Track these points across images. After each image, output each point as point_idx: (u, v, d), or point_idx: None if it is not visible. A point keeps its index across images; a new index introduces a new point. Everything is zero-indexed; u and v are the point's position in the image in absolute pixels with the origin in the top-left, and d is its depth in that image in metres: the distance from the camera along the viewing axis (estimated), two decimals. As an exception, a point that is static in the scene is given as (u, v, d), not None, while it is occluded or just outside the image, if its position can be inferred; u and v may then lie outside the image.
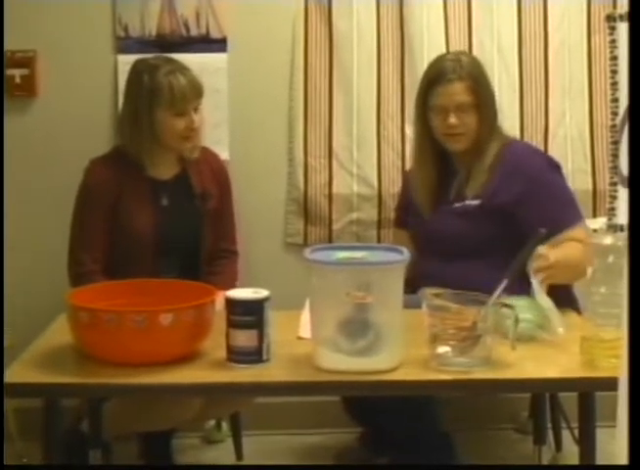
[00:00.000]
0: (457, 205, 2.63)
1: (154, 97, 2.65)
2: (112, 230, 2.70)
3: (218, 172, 2.87)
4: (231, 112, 3.12)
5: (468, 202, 2.62)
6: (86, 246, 2.68)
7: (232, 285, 2.71)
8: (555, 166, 2.67)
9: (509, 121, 2.99)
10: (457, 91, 2.60)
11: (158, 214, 2.72)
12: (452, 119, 2.60)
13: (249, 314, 1.98)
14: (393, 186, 3.10)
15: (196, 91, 2.70)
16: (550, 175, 2.63)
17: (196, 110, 2.71)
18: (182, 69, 2.70)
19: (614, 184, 1.48)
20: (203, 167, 2.83)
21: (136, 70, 2.72)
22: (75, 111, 3.06)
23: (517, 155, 2.65)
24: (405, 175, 2.98)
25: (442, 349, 1.98)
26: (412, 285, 2.49)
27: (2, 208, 2.92)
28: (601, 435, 2.03)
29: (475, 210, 2.59)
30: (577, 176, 3.08)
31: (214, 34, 3.09)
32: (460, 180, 2.67)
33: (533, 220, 2.47)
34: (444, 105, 2.62)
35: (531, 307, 2.18)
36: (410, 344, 2.01)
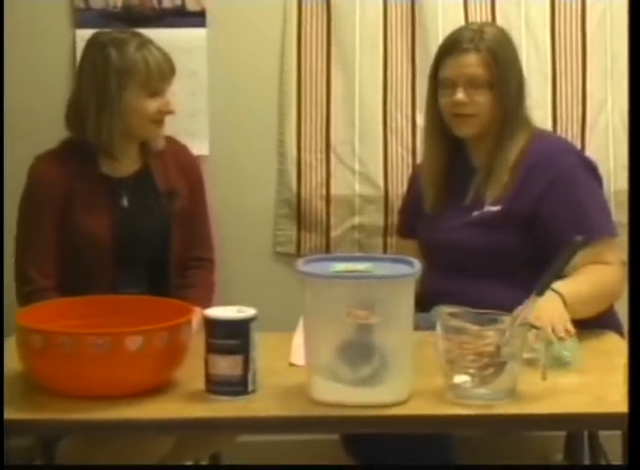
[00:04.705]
0: (476, 212, 2.62)
1: (125, 75, 2.66)
2: (63, 239, 2.70)
3: (187, 166, 2.88)
4: (211, 98, 3.13)
5: (487, 208, 2.61)
6: (35, 259, 2.69)
7: (208, 299, 2.73)
8: (590, 167, 2.66)
9: (539, 110, 3.00)
10: (469, 63, 2.59)
11: (117, 217, 2.73)
12: (460, 95, 2.59)
13: (231, 337, 1.98)
14: (402, 186, 3.11)
15: (171, 67, 2.73)
16: (581, 175, 2.61)
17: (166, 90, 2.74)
18: (151, 42, 2.72)
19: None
20: (168, 161, 2.83)
21: (99, 45, 2.72)
22: (27, 95, 3.07)
23: (544, 149, 2.63)
24: (413, 172, 2.98)
25: (460, 378, 1.98)
26: (423, 303, 2.51)
27: (2, 208, 2.92)
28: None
29: (495, 217, 2.58)
30: (620, 174, 3.09)
31: (191, 6, 3.10)
32: (479, 181, 2.67)
33: (556, 226, 2.48)
34: (453, 78, 2.61)
35: None
36: (422, 372, 2.02)
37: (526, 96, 2.69)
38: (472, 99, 2.60)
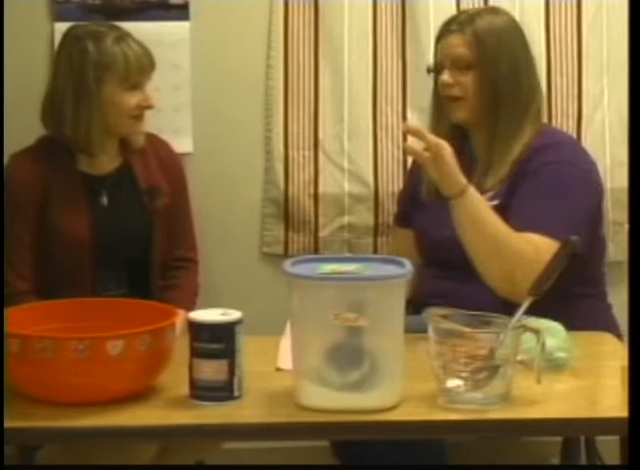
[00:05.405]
0: None
1: (103, 69, 2.66)
2: (41, 240, 2.70)
3: (169, 163, 2.88)
4: (194, 93, 3.13)
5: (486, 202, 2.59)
6: (11, 261, 2.69)
7: (192, 301, 2.74)
8: (578, 167, 2.61)
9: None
10: (453, 43, 2.62)
11: (96, 217, 2.74)
12: (444, 76, 2.62)
13: (216, 341, 1.98)
14: (393, 184, 3.12)
15: (151, 61, 2.74)
16: (558, 171, 2.56)
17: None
18: (129, 35, 2.72)
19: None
20: (149, 158, 2.84)
21: (75, 38, 2.72)
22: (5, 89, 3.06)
23: (539, 143, 2.62)
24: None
25: (452, 382, 1.98)
26: (417, 303, 2.51)
27: (2, 208, 2.92)
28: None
29: None
30: (617, 171, 3.10)
31: (174, -2, 3.10)
32: (479, 174, 2.67)
33: (512, 217, 2.47)
34: (440, 60, 2.65)
35: (558, 330, 2.20)
36: (413, 376, 2.02)
37: (531, 88, 2.67)
38: (457, 80, 2.62)
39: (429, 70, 2.73)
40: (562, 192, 2.55)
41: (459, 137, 2.70)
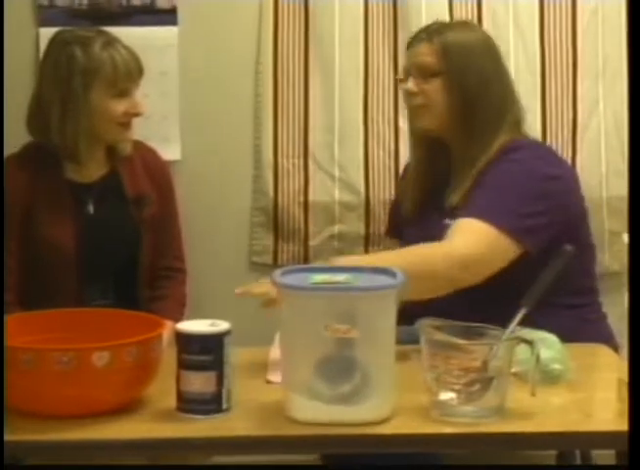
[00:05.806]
0: (447, 220, 2.58)
1: (91, 75, 2.66)
2: (25, 249, 2.70)
3: (156, 171, 2.89)
4: (182, 100, 3.13)
5: (456, 213, 2.57)
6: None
7: (179, 311, 2.73)
8: (538, 169, 2.55)
9: (527, 113, 2.99)
10: (419, 52, 2.61)
11: (82, 225, 2.74)
12: (409, 84, 2.61)
13: (205, 353, 1.98)
14: (384, 192, 3.12)
15: (139, 67, 2.74)
16: (514, 166, 2.52)
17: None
18: (118, 40, 2.72)
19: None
20: (136, 166, 2.84)
21: (62, 43, 2.72)
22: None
23: (507, 146, 2.57)
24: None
25: (445, 395, 1.98)
26: (407, 315, 2.50)
27: (2, 209, 2.91)
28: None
29: None
30: (613, 180, 3.10)
31: (161, 3, 3.10)
32: (452, 186, 2.66)
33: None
34: (407, 68, 2.65)
35: (553, 342, 2.20)
36: (405, 389, 2.01)
37: (504, 99, 2.63)
38: (421, 88, 2.60)
39: (397, 80, 2.72)
40: (506, 185, 2.50)
41: (436, 148, 2.69)
